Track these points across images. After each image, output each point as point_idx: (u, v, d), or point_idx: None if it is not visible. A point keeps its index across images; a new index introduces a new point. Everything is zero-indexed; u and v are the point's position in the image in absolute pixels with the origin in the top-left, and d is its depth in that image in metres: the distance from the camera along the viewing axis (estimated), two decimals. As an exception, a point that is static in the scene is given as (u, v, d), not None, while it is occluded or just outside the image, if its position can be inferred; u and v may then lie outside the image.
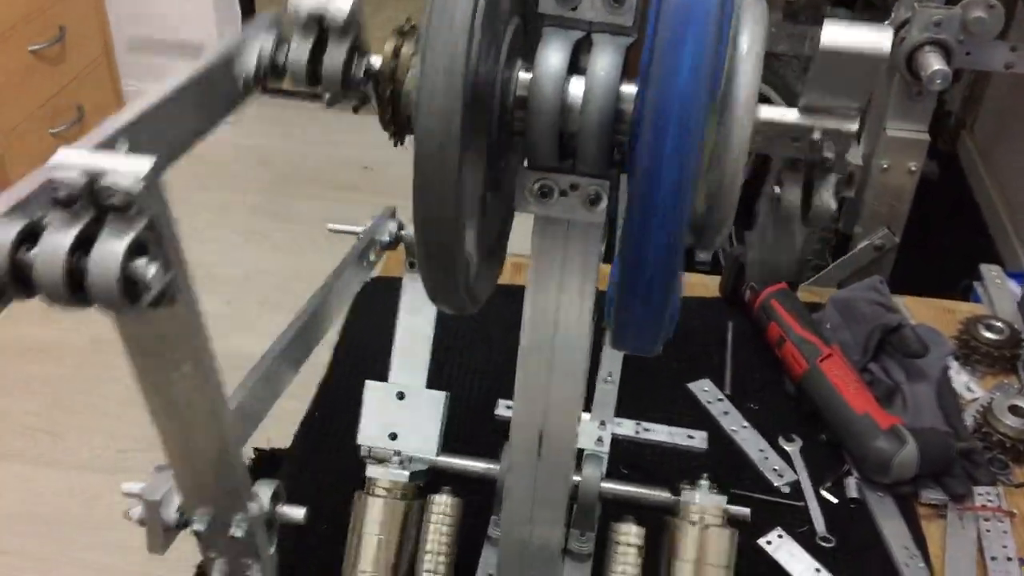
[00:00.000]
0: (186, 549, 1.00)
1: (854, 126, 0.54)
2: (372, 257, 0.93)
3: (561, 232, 0.62)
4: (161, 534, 0.60)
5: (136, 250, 0.42)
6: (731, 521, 0.86)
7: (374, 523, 0.86)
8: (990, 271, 1.42)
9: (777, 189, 0.56)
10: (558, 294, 0.65)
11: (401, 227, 0.94)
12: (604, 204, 0.56)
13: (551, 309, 0.66)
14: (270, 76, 0.60)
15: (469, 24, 0.48)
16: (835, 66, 0.52)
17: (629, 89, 0.52)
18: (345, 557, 0.87)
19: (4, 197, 0.42)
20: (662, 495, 0.89)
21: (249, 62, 0.59)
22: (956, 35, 1.38)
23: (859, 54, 0.52)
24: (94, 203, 0.41)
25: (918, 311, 1.33)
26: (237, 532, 0.59)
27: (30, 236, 0.42)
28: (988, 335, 1.26)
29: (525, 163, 0.57)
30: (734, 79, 0.50)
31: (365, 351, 1.20)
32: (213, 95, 0.58)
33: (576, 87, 0.53)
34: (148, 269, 0.42)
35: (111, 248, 0.41)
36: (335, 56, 0.58)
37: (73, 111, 2.83)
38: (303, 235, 2.76)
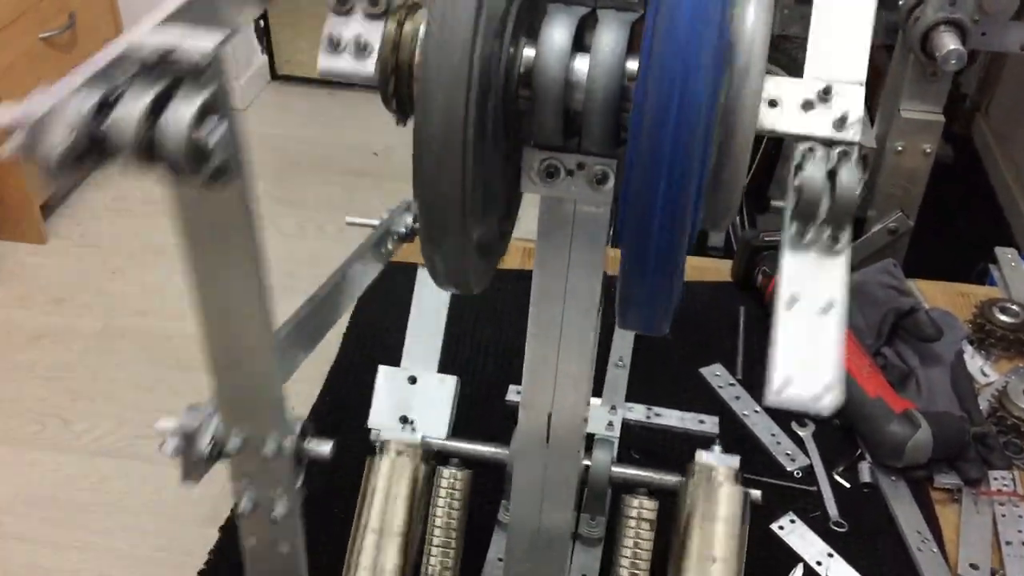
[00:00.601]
0: (196, 540, 1.01)
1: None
2: (389, 247, 0.92)
3: (568, 213, 0.62)
4: (195, 464, 0.59)
5: (204, 115, 0.43)
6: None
7: (383, 480, 0.86)
8: (1005, 254, 1.40)
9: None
10: (565, 276, 0.65)
11: (417, 219, 0.93)
12: (611, 183, 0.55)
13: (558, 291, 0.66)
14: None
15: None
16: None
17: (635, 66, 0.51)
18: (354, 519, 0.87)
19: (83, 68, 0.43)
20: (673, 479, 0.88)
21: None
22: (971, 15, 1.36)
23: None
24: (170, 72, 0.43)
25: (932, 295, 1.32)
26: (270, 448, 0.59)
27: (110, 105, 0.42)
28: (1003, 318, 1.24)
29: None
30: (740, 56, 0.49)
31: (375, 336, 1.20)
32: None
33: (581, 64, 0.52)
34: (213, 134, 0.43)
35: (180, 110, 0.42)
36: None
37: (84, 98, 2.82)
38: (312, 221, 2.76)
